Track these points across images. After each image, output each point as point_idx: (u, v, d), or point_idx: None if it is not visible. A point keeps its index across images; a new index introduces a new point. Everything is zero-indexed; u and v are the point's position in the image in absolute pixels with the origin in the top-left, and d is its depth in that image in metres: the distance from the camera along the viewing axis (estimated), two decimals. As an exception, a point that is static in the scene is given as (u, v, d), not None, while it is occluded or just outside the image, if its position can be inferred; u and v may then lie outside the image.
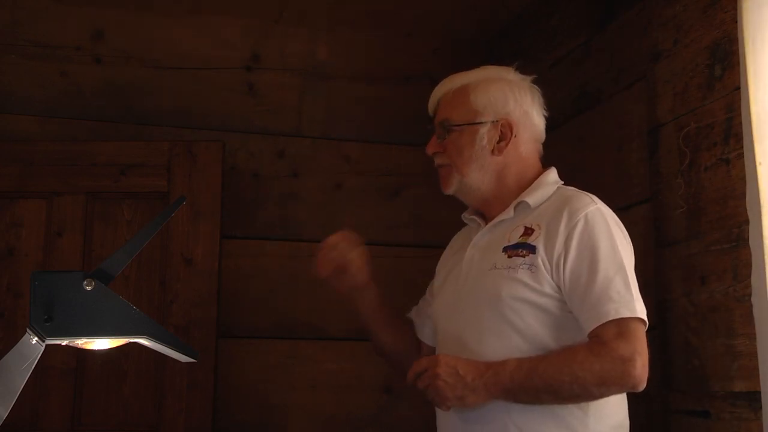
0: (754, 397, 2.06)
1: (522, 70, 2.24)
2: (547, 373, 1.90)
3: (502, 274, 2.01)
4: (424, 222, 3.48)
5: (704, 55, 2.32)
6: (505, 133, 2.13)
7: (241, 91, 3.44)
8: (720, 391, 2.19)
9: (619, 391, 1.95)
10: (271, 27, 3.49)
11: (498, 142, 2.13)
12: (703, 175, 2.29)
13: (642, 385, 1.89)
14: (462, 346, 2.03)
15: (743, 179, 2.09)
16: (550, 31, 3.18)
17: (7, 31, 3.28)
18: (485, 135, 2.13)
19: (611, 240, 1.96)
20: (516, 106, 2.15)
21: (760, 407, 1.99)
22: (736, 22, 2.13)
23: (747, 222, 2.06)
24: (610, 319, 1.88)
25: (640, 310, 1.91)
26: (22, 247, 3.07)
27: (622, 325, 1.88)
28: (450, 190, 2.17)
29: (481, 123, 2.13)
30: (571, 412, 1.95)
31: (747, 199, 2.07)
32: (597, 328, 1.90)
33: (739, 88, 2.12)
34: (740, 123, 2.10)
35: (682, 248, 2.35)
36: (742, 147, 2.10)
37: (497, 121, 2.13)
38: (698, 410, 2.26)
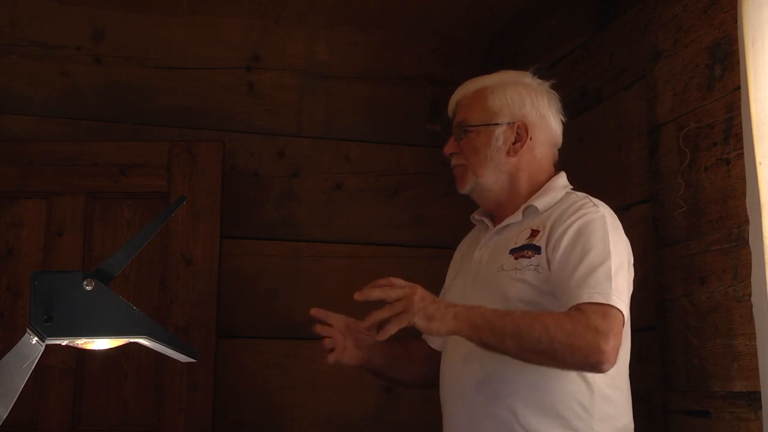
0: (754, 397, 2.06)
1: (522, 70, 2.26)
2: (521, 319, 1.88)
3: (510, 276, 2.03)
4: (424, 222, 3.48)
5: (704, 55, 2.31)
6: (521, 134, 2.16)
7: (241, 91, 3.44)
8: (720, 391, 2.19)
9: (583, 363, 1.87)
10: (271, 27, 3.49)
11: (513, 144, 2.16)
12: (703, 175, 2.29)
13: (606, 366, 1.85)
14: (471, 347, 2.03)
15: (743, 179, 2.09)
16: (550, 31, 3.18)
17: (7, 31, 3.28)
18: (501, 136, 2.16)
19: (605, 240, 1.97)
20: (532, 108, 2.18)
21: (760, 407, 1.99)
22: (736, 22, 2.13)
23: (747, 222, 2.06)
24: (583, 301, 1.88)
25: (617, 301, 1.89)
26: (22, 247, 3.06)
27: (602, 306, 1.87)
28: (465, 190, 2.20)
29: (497, 124, 2.16)
30: (576, 414, 1.95)
31: (747, 199, 2.06)
32: (574, 305, 1.90)
33: (739, 88, 2.12)
34: (740, 123, 2.10)
35: (682, 248, 2.35)
36: (742, 147, 2.10)
37: (513, 122, 2.16)
38: (698, 410, 2.26)
